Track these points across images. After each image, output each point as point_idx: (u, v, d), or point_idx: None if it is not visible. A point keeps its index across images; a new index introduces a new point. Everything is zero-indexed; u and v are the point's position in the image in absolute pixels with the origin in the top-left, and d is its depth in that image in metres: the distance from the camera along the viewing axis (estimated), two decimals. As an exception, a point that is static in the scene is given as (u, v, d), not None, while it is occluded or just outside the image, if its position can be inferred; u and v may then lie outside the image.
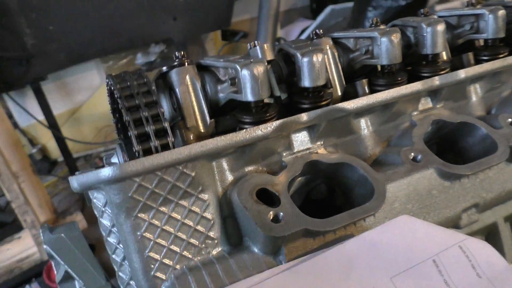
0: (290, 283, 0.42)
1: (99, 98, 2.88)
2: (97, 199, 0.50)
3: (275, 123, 0.50)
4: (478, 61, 0.68)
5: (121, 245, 0.50)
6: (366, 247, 0.43)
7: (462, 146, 0.64)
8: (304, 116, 0.52)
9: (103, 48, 2.51)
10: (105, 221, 0.50)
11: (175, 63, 0.55)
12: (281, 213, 0.47)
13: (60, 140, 2.55)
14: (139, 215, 0.46)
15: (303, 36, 3.14)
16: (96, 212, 0.51)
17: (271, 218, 0.47)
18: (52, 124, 2.50)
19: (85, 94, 2.94)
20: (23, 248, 2.27)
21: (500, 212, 0.63)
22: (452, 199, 0.56)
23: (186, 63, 0.55)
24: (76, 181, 0.45)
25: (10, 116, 2.59)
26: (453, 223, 0.56)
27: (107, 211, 0.49)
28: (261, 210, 0.48)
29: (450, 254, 0.43)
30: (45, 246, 0.60)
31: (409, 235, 0.44)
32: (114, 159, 0.58)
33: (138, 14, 2.36)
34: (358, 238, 0.44)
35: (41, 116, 2.46)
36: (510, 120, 0.62)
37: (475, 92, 0.67)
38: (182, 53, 0.57)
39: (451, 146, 0.65)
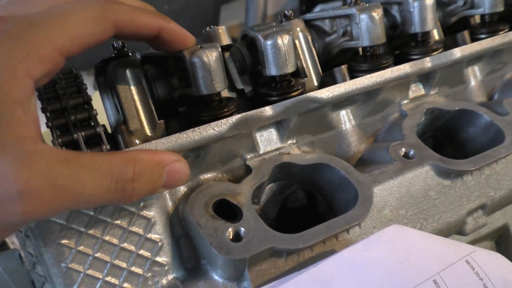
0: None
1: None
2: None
3: (231, 119, 0.41)
4: (474, 40, 0.59)
5: (48, 279, 0.40)
6: (348, 268, 0.34)
7: (462, 137, 0.55)
8: (268, 110, 0.43)
9: (88, 60, 2.43)
10: (28, 249, 0.41)
11: (113, 55, 0.46)
12: (243, 229, 0.38)
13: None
14: (61, 241, 0.37)
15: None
16: (19, 240, 0.42)
17: (231, 236, 0.38)
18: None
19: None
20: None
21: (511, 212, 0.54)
22: (454, 201, 0.46)
23: (129, 53, 0.46)
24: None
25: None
26: (457, 229, 0.47)
27: (28, 238, 0.40)
28: (218, 226, 0.38)
29: (455, 272, 0.34)
30: (-25, 280, 0.51)
31: (401, 250, 0.35)
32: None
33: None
34: (337, 257, 0.35)
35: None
36: (516, 104, 0.53)
37: (474, 75, 0.57)
38: (121, 43, 0.48)
39: (450, 138, 0.56)
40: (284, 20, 0.55)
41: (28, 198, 0.27)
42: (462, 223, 0.47)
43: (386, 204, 0.43)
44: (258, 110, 0.43)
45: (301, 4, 3.97)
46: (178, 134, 0.39)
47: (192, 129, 0.40)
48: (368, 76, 0.46)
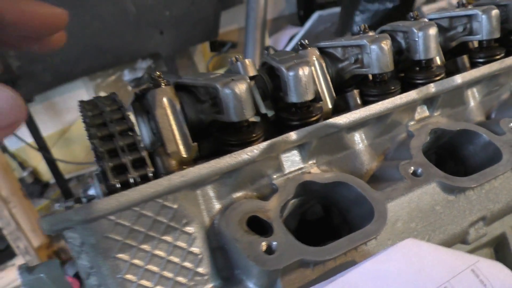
0: (287, 324, 0.37)
1: (88, 117, 2.83)
2: (72, 238, 0.45)
3: (262, 145, 0.46)
4: (473, 64, 0.65)
5: (102, 288, 0.45)
6: (371, 278, 0.39)
7: (463, 154, 0.60)
8: (293, 135, 0.48)
9: (90, 66, 2.47)
10: (83, 262, 0.45)
11: (151, 85, 0.51)
12: (274, 243, 0.43)
13: (51, 162, 2.50)
14: (118, 255, 0.42)
15: (292, 43, 3.12)
16: (73, 253, 0.47)
17: (264, 249, 0.43)
18: (42, 146, 2.44)
19: (74, 114, 2.88)
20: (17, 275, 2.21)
21: (509, 221, 0.59)
22: (458, 214, 0.52)
23: (163, 84, 0.51)
24: (46, 223, 0.41)
25: (-2, 140, 2.53)
26: (461, 239, 0.52)
27: (84, 251, 0.45)
28: (252, 241, 0.44)
29: (463, 280, 0.39)
30: (23, 289, 0.56)
31: (416, 261, 0.40)
32: (92, 191, 0.54)
33: (124, 30, 2.33)
34: (361, 268, 0.40)
35: (30, 139, 2.41)
36: (512, 124, 0.58)
37: (473, 97, 0.63)
38: (158, 73, 0.53)
39: (451, 154, 0.62)
40: (300, 48, 0.60)
41: None
42: (465, 233, 0.52)
43: (398, 218, 0.49)
44: (284, 135, 0.48)
45: (298, 9, 4.01)
46: (217, 159, 0.44)
47: (229, 154, 0.45)
48: (380, 103, 0.52)
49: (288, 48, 3.03)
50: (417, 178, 0.51)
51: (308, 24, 3.18)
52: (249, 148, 0.46)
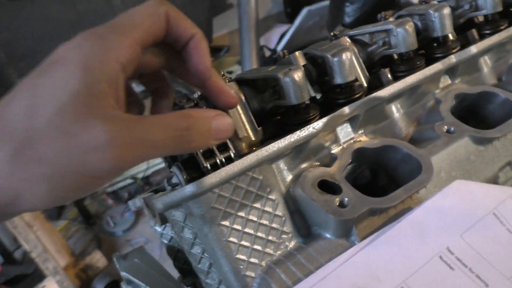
0: (373, 256, 0.46)
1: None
2: (176, 216, 0.54)
3: (324, 119, 0.55)
4: (481, 36, 0.74)
5: (206, 254, 0.54)
6: (433, 213, 0.48)
7: (483, 113, 0.70)
8: (346, 110, 0.57)
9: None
10: (186, 235, 0.54)
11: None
12: (346, 199, 0.52)
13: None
14: (221, 222, 0.51)
15: (283, 41, 3.19)
16: (175, 229, 0.55)
17: (338, 204, 0.52)
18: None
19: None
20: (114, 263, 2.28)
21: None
22: (489, 161, 0.61)
23: (226, 81, 0.60)
24: (160, 202, 0.50)
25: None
26: (493, 182, 0.62)
27: (187, 226, 0.54)
28: (327, 199, 0.52)
29: (507, 206, 0.48)
30: (122, 273, 0.65)
31: (466, 196, 0.50)
32: (175, 180, 0.62)
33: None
34: (423, 207, 0.50)
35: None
36: (523, 82, 0.68)
37: (486, 64, 0.73)
38: (222, 72, 0.62)
39: (473, 115, 0.71)
40: (334, 39, 0.69)
41: (115, 145, 0.33)
42: (496, 177, 0.62)
43: (441, 169, 0.58)
44: (339, 110, 0.57)
45: (285, 7, 4.10)
46: (291, 134, 0.53)
47: (300, 129, 0.54)
48: (413, 75, 0.61)
49: (280, 46, 3.12)
50: (451, 134, 0.60)
51: (298, 20, 3.27)
52: (314, 123, 0.55)
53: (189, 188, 0.48)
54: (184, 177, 0.61)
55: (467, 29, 0.75)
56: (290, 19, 3.64)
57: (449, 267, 0.46)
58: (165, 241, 0.71)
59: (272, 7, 3.88)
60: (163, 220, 0.58)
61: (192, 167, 0.54)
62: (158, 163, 2.96)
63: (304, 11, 3.27)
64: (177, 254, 0.71)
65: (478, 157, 0.61)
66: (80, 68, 0.35)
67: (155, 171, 3.00)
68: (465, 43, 0.74)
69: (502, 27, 0.71)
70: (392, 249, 0.47)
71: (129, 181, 2.97)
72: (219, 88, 0.49)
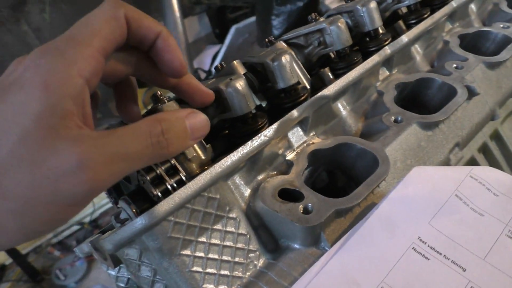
0: (347, 261, 0.44)
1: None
2: (130, 255, 0.49)
3: (274, 126, 0.53)
4: (408, 26, 0.76)
5: (170, 291, 0.49)
6: (398, 205, 0.47)
7: (424, 100, 0.71)
8: (295, 112, 0.55)
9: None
10: (144, 273, 0.49)
11: (159, 104, 0.56)
12: (309, 204, 0.50)
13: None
14: (182, 252, 0.46)
15: (216, 61, 3.20)
16: (131, 269, 0.50)
17: (302, 211, 0.50)
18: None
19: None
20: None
21: (474, 146, 0.71)
22: (438, 145, 0.62)
23: (166, 101, 0.56)
24: (110, 242, 0.44)
25: None
26: (446, 165, 0.62)
27: (144, 263, 0.49)
28: (290, 208, 0.50)
29: (467, 185, 0.48)
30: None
31: (427, 181, 0.49)
32: (123, 215, 0.57)
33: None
34: (388, 200, 0.48)
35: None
36: (454, 65, 0.70)
37: (417, 52, 0.74)
38: (159, 93, 0.58)
39: (415, 104, 0.72)
40: (269, 45, 0.68)
41: (87, 166, 0.31)
42: (448, 159, 0.62)
43: (396, 159, 0.58)
44: (288, 114, 0.55)
45: (213, 28, 4.12)
46: (243, 146, 0.50)
47: (250, 140, 0.51)
48: (354, 70, 0.61)
49: (213, 67, 3.11)
50: (399, 124, 0.60)
51: (228, 39, 3.30)
52: (265, 131, 0.52)
53: (140, 221, 0.43)
54: (134, 210, 0.55)
55: (393, 21, 0.77)
56: (220, 39, 3.66)
57: (424, 257, 0.44)
58: (122, 285, 0.64)
59: (200, 29, 3.88)
60: (116, 262, 0.52)
61: (141, 199, 0.49)
62: (105, 204, 2.80)
63: (233, 30, 3.31)
64: (137, 296, 0.64)
65: (428, 142, 0.61)
66: (40, 88, 0.32)
67: (103, 212, 2.84)
68: (394, 35, 0.75)
69: (426, 15, 0.73)
70: (365, 249, 0.45)
71: (75, 227, 2.77)
72: (194, 87, 0.48)
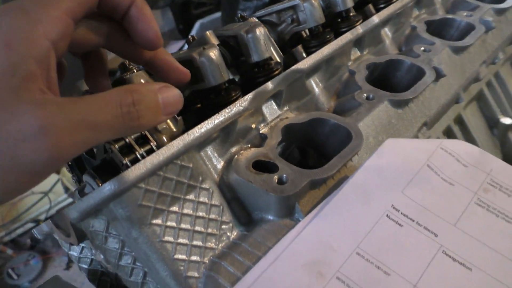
0: (323, 227, 0.44)
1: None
2: (96, 226, 0.46)
3: (249, 95, 0.52)
4: (377, 10, 0.77)
5: (138, 263, 0.47)
6: (372, 174, 0.47)
7: (393, 82, 0.72)
8: (269, 84, 0.55)
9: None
10: (111, 245, 0.46)
11: (127, 73, 0.53)
12: (284, 175, 0.49)
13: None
14: (153, 221, 0.44)
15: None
16: (97, 243, 0.47)
17: (277, 181, 0.49)
18: None
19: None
20: None
21: (439, 128, 0.73)
22: (408, 124, 0.63)
23: (135, 70, 0.54)
24: (75, 210, 0.42)
25: None
26: (415, 143, 0.63)
27: (111, 234, 0.46)
28: (265, 178, 0.49)
29: (437, 156, 0.49)
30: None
31: (400, 152, 0.49)
32: (88, 189, 0.54)
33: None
34: (362, 169, 0.48)
35: None
36: (422, 48, 0.72)
37: (387, 36, 0.76)
38: (128, 63, 0.55)
39: (385, 84, 0.73)
40: (241, 21, 0.66)
41: (50, 132, 0.29)
42: (416, 137, 0.64)
43: (368, 135, 0.58)
44: (263, 86, 0.54)
45: (177, 24, 4.06)
46: (217, 115, 0.49)
47: (225, 108, 0.49)
48: (327, 45, 0.61)
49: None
50: (371, 101, 0.61)
51: (192, 34, 3.26)
52: (240, 100, 0.51)
53: (109, 186, 0.41)
54: (99, 184, 0.53)
55: (363, 5, 0.78)
56: (184, 35, 3.60)
57: (397, 224, 0.45)
58: (85, 266, 0.61)
59: (163, 24, 3.81)
60: (81, 237, 0.49)
61: (108, 172, 0.47)
62: (62, 200, 2.69)
63: (197, 25, 3.27)
64: (101, 278, 0.61)
65: (399, 120, 0.62)
66: (1, 47, 0.30)
67: (60, 209, 2.72)
68: (364, 19, 0.76)
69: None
70: (340, 216, 0.44)
71: (30, 224, 2.64)
72: (169, 64, 0.46)
